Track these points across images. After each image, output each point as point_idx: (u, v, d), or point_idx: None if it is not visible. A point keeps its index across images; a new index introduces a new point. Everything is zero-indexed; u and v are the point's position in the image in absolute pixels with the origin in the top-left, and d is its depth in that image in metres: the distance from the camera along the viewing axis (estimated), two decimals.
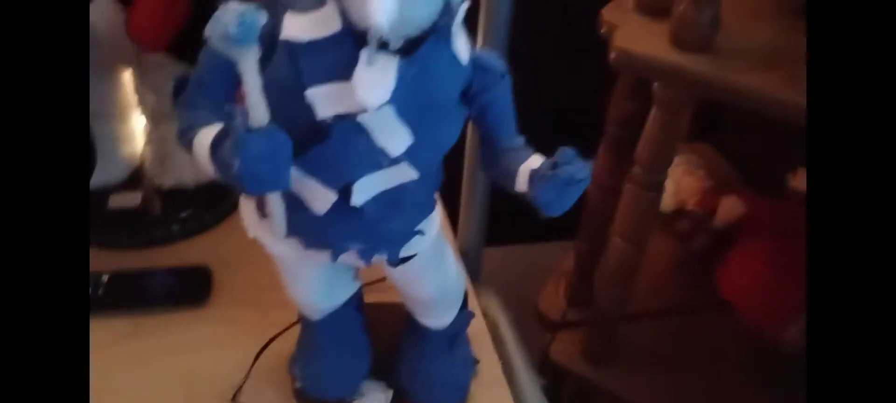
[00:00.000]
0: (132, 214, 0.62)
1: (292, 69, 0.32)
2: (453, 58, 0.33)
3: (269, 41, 0.32)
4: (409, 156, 0.33)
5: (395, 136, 0.32)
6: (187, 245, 0.61)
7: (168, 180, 0.63)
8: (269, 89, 0.30)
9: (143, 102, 0.61)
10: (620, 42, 0.52)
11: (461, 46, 0.33)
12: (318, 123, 0.32)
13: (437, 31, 0.31)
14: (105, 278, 0.55)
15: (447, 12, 0.31)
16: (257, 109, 0.30)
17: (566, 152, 0.33)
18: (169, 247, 0.61)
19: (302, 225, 0.37)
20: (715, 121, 0.91)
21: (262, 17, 0.28)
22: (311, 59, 0.31)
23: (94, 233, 0.60)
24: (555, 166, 0.33)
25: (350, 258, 0.39)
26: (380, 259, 0.40)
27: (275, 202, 0.36)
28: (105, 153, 0.60)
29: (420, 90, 0.32)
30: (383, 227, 0.37)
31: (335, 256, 0.38)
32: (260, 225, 0.39)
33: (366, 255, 0.39)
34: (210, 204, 0.63)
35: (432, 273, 0.44)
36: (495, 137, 0.37)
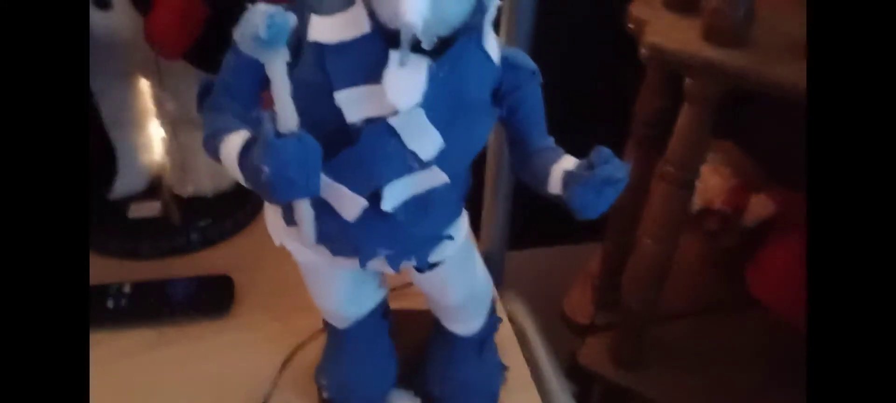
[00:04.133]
0: (152, 223, 0.61)
1: (320, 72, 0.31)
2: (484, 57, 0.32)
3: (296, 43, 0.31)
4: (440, 159, 0.33)
5: (425, 139, 0.32)
6: (207, 253, 0.60)
7: (187, 188, 0.63)
8: (296, 92, 0.30)
9: (162, 110, 0.61)
10: (652, 37, 0.50)
11: (492, 45, 0.32)
12: (347, 127, 0.31)
13: (469, 30, 0.30)
14: (127, 288, 0.55)
15: (479, 10, 0.30)
16: (287, 113, 0.29)
17: (602, 152, 0.32)
18: (189, 256, 0.60)
19: (330, 231, 0.36)
20: (736, 118, 0.89)
21: (291, 19, 0.28)
22: (340, 62, 0.30)
23: (114, 243, 0.59)
24: (591, 167, 0.32)
25: (378, 264, 0.38)
26: (407, 265, 0.39)
27: (304, 208, 0.35)
28: (124, 162, 0.59)
29: (451, 91, 0.31)
30: (412, 232, 0.36)
31: (363, 263, 0.37)
32: (286, 232, 0.38)
33: (394, 261, 0.38)
34: (229, 212, 0.62)
35: (460, 278, 0.43)
36: (526, 138, 0.36)
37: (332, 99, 0.31)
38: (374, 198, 0.34)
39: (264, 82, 0.30)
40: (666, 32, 0.51)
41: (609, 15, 0.60)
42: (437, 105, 0.31)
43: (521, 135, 0.36)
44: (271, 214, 0.39)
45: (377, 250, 0.37)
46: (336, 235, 0.36)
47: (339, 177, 0.33)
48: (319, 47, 0.31)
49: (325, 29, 0.31)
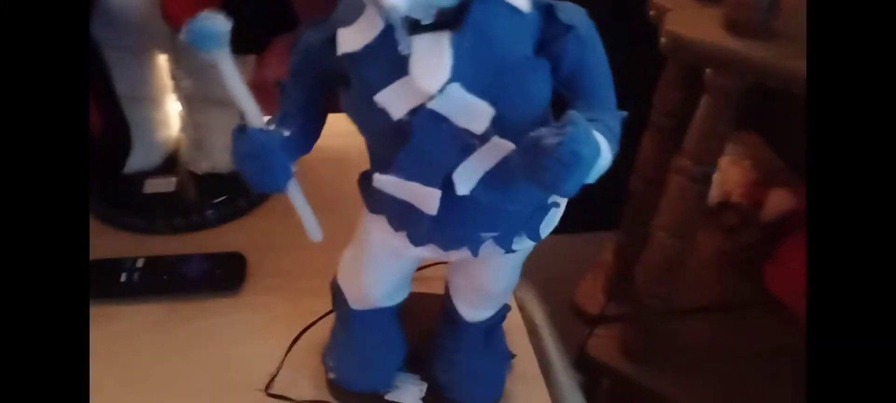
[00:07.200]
0: (167, 199, 0.62)
1: (360, 81, 0.31)
2: (510, 9, 0.30)
3: (338, 67, 0.32)
4: (499, 127, 0.31)
5: (473, 113, 0.30)
6: (221, 231, 0.61)
7: (203, 165, 0.63)
8: (354, 108, 0.32)
9: (178, 87, 0.61)
10: (672, 26, 0.49)
11: None
12: (400, 125, 0.31)
13: None
14: (140, 263, 0.55)
15: None
16: (247, 109, 0.32)
17: (568, 117, 0.28)
18: (202, 233, 0.60)
19: (430, 230, 0.35)
20: (761, 109, 0.88)
21: (220, 24, 0.30)
22: (370, 65, 0.31)
23: (129, 218, 0.60)
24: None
25: (489, 249, 0.37)
26: (517, 244, 0.37)
27: (298, 203, 0.36)
28: (141, 137, 0.60)
29: (483, 56, 0.30)
30: (507, 209, 0.35)
31: (474, 252, 0.36)
32: (393, 235, 0.38)
33: (504, 241, 0.36)
34: (244, 191, 0.63)
35: (514, 267, 0.42)
36: (569, 103, 0.32)
37: (376, 103, 0.31)
38: (450, 186, 0.33)
39: (322, 78, 0.34)
40: (687, 22, 0.50)
41: (629, 1, 0.59)
42: (474, 74, 0.30)
43: (567, 99, 0.33)
44: (368, 220, 0.39)
45: (481, 235, 0.36)
46: (437, 232, 0.35)
47: (407, 175, 0.33)
48: (352, 58, 0.31)
49: (349, 40, 0.31)
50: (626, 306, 0.71)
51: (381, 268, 0.42)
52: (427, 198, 0.33)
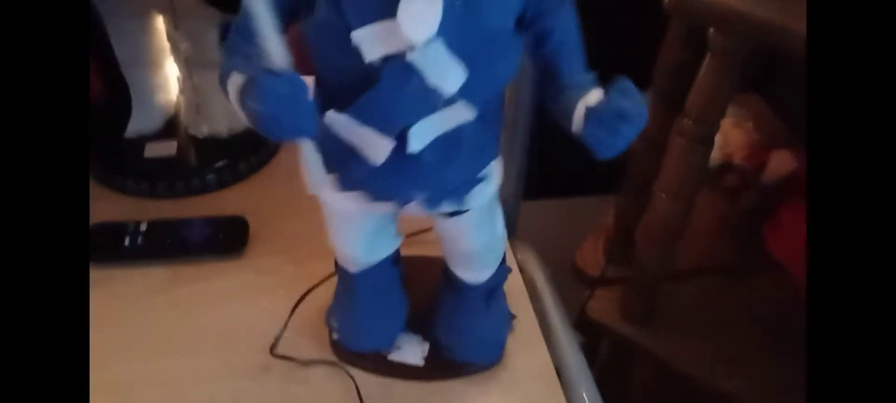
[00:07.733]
0: (168, 163, 0.62)
1: (335, 12, 0.30)
2: None
3: None
4: (465, 93, 0.31)
5: (447, 73, 0.30)
6: (222, 195, 0.61)
7: (202, 129, 0.63)
8: (316, 36, 0.30)
9: (176, 50, 0.61)
10: None
11: None
12: (368, 67, 0.30)
13: None
14: (143, 227, 0.56)
15: None
16: (275, 51, 0.29)
17: (619, 84, 0.30)
18: (204, 197, 0.61)
19: (364, 177, 0.35)
20: (764, 72, 0.87)
21: None
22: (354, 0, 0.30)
23: (131, 182, 0.60)
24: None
25: (414, 208, 0.37)
26: (445, 208, 0.38)
27: (308, 151, 0.34)
28: (140, 101, 0.59)
29: (470, 20, 0.30)
30: (445, 174, 0.35)
31: (400, 207, 0.37)
32: (324, 180, 0.37)
33: (431, 204, 0.37)
34: (245, 155, 0.62)
35: (484, 226, 0.42)
36: (556, 70, 0.34)
37: (350, 40, 0.30)
38: (402, 140, 0.33)
39: (289, 15, 0.31)
40: None
41: None
42: (456, 36, 0.30)
43: (551, 68, 0.34)
44: (307, 162, 0.38)
45: (412, 193, 0.36)
46: (371, 181, 0.35)
47: (364, 119, 0.32)
48: None
49: None
50: (626, 269, 0.71)
51: (342, 227, 0.42)
52: (378, 146, 0.33)
